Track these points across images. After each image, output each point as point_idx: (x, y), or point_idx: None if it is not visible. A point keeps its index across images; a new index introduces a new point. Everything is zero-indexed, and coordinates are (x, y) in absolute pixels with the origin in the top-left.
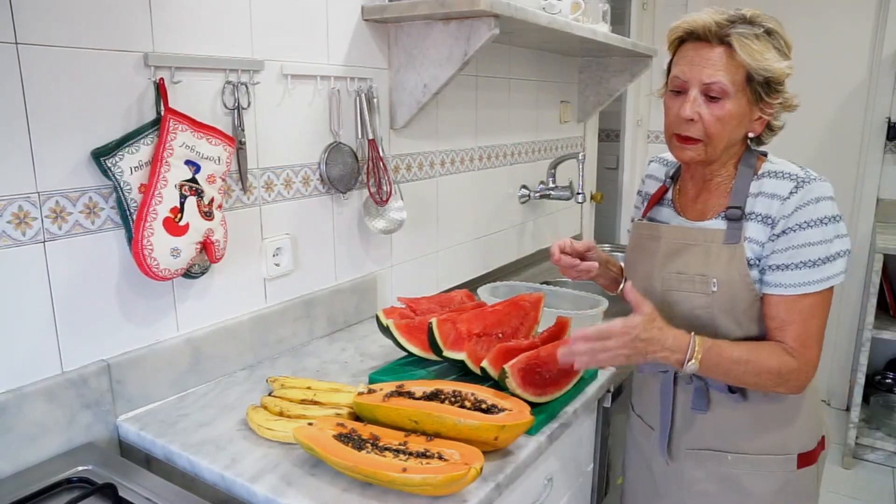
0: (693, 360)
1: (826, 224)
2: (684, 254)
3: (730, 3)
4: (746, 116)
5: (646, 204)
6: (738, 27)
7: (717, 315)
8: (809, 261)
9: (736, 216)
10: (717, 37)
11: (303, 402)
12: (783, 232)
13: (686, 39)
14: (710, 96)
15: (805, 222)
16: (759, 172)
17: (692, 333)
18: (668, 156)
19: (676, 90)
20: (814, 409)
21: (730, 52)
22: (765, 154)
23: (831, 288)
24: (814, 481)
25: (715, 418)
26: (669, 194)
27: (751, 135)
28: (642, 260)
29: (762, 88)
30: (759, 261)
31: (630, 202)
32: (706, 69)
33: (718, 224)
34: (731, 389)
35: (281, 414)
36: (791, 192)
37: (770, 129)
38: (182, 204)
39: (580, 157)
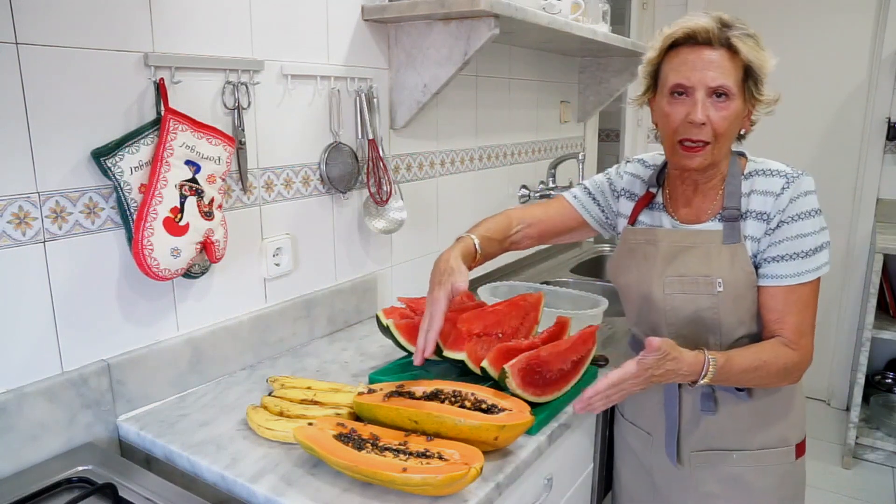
0: (705, 379)
1: (814, 216)
2: (684, 256)
3: (729, 4)
4: (742, 113)
5: (626, 202)
6: (733, 30)
7: (721, 315)
8: (803, 251)
9: (733, 216)
10: (718, 39)
11: (303, 402)
12: (778, 225)
13: (681, 43)
14: (716, 97)
15: (798, 214)
16: (746, 172)
17: (706, 355)
18: (647, 157)
19: (677, 93)
20: (802, 399)
21: (730, 53)
22: (743, 154)
23: (819, 278)
24: (805, 471)
25: (720, 418)
26: (659, 199)
27: (742, 131)
28: (637, 265)
29: (753, 85)
30: (756, 256)
31: None
32: (710, 72)
33: (715, 226)
34: (738, 388)
35: (281, 414)
36: (783, 188)
37: (751, 122)
38: (182, 204)
39: (580, 157)
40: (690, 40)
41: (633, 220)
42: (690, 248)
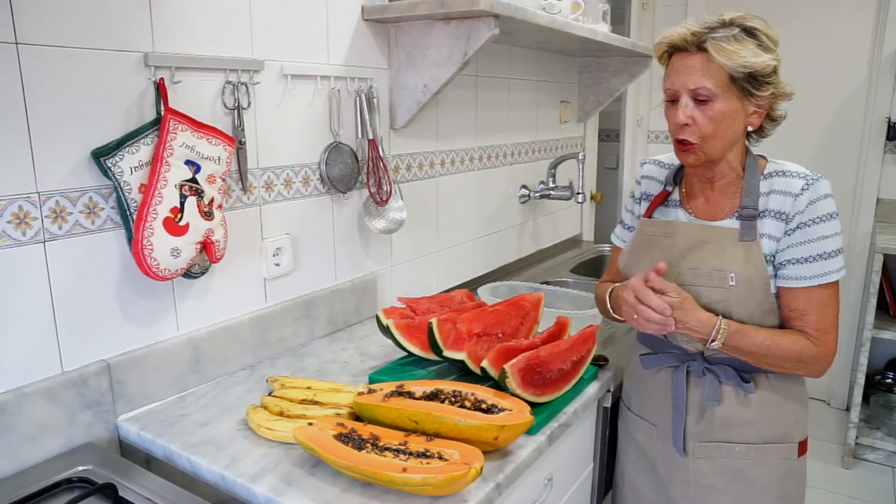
0: (717, 342)
1: (834, 218)
2: (700, 250)
3: (729, 4)
4: (740, 112)
5: (646, 205)
6: (716, 32)
7: (732, 308)
8: (825, 253)
9: (751, 215)
10: (694, 45)
11: (303, 402)
12: (798, 227)
13: (672, 52)
14: (699, 100)
15: (819, 217)
16: (765, 172)
17: (719, 317)
18: (664, 157)
19: (671, 100)
20: (806, 398)
21: (708, 56)
22: (763, 156)
23: (838, 280)
24: (806, 471)
25: (725, 410)
26: (676, 196)
27: (750, 128)
28: (652, 256)
29: (748, 84)
30: (775, 256)
31: None
32: (690, 76)
33: (732, 223)
34: (744, 380)
35: (281, 414)
36: (803, 189)
37: (772, 119)
38: (182, 204)
39: (580, 157)
40: (676, 49)
41: (648, 215)
42: (706, 243)
